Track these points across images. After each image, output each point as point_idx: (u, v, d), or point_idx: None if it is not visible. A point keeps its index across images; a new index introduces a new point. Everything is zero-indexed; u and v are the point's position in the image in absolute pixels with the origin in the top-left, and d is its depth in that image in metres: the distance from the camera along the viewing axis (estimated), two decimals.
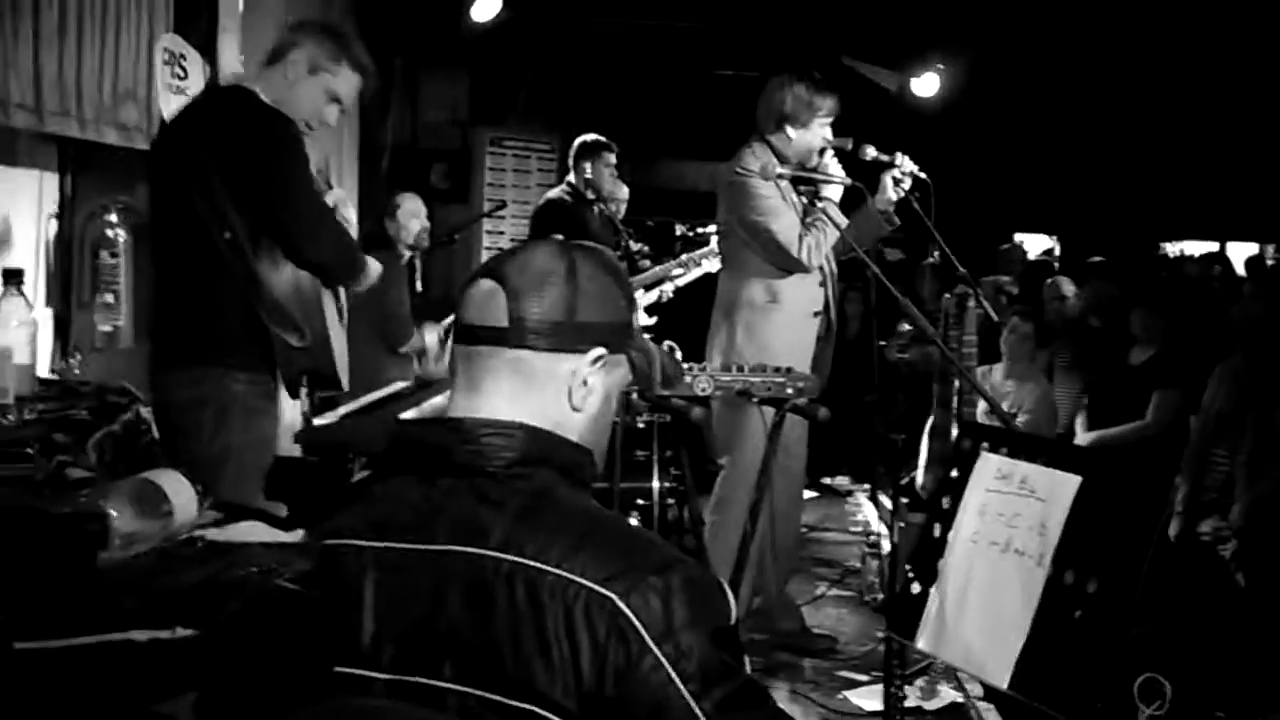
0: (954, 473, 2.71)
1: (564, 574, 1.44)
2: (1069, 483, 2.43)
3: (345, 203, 3.71)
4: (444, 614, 1.49)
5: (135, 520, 2.48)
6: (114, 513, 2.45)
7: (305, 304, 3.40)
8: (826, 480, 7.85)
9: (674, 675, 1.41)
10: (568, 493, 1.57)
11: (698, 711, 1.41)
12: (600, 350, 1.63)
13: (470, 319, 1.62)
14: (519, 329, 1.59)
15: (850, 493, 7.89)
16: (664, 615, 1.42)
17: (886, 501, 6.08)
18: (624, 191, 6.70)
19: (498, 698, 1.44)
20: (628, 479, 4.74)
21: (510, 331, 1.59)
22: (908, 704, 3.74)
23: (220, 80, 4.78)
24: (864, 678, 4.50)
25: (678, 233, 9.57)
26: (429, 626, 1.50)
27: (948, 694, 4.22)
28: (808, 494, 6.23)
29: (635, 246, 5.88)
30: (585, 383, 1.62)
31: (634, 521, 4.36)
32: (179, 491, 2.62)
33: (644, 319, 5.95)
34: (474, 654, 1.46)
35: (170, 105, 4.42)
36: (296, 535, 2.64)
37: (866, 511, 7.31)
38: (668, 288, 6.06)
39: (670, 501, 5.28)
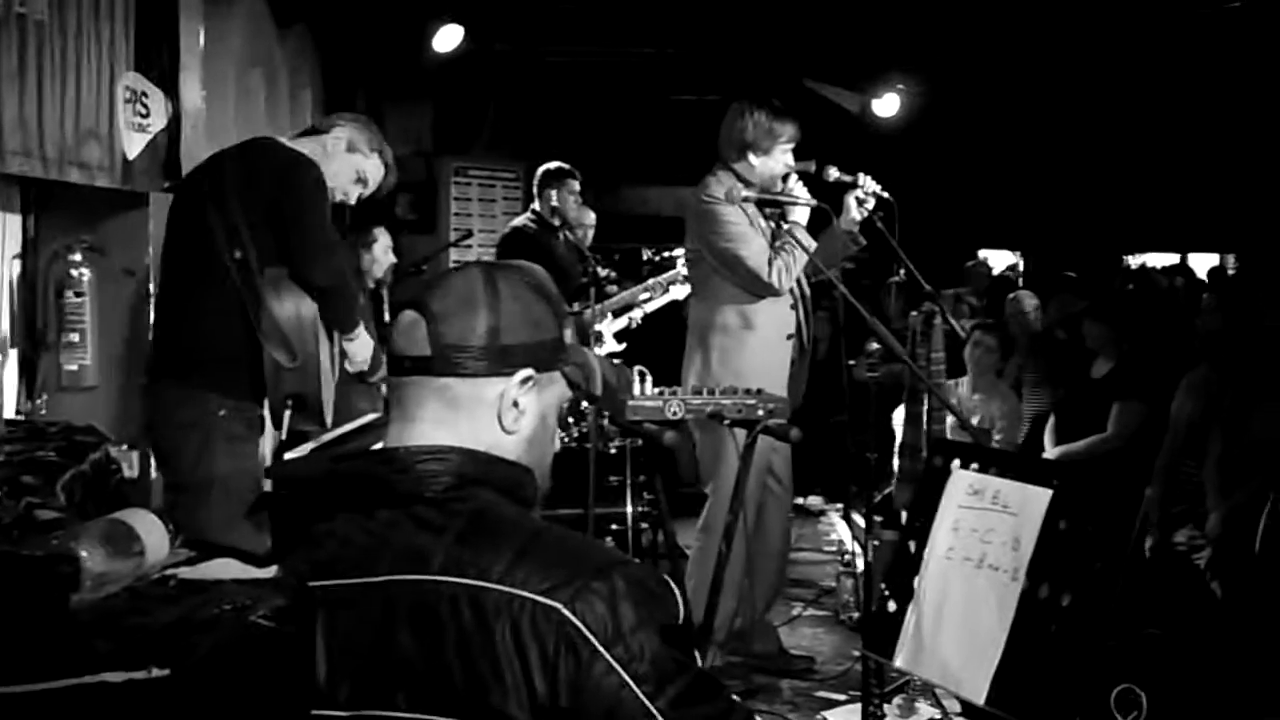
0: (926, 489, 2.73)
1: (507, 589, 1.44)
2: (1040, 497, 2.44)
3: None
4: (394, 644, 1.48)
5: (107, 561, 2.47)
6: (85, 554, 2.44)
7: (303, 332, 3.51)
8: (800, 500, 7.83)
9: (627, 678, 1.41)
10: (507, 510, 1.56)
11: (654, 711, 1.41)
12: (528, 371, 1.61)
13: (397, 350, 1.62)
14: (442, 357, 1.58)
15: (823, 512, 7.89)
16: (612, 619, 1.42)
17: (860, 520, 6.09)
18: (590, 217, 6.72)
19: None
20: (601, 504, 4.73)
21: (434, 360, 1.58)
22: None
23: (184, 115, 4.80)
24: (842, 697, 4.50)
25: (644, 258, 9.59)
26: (381, 658, 1.49)
27: (926, 711, 4.22)
28: None
29: (603, 272, 5.89)
30: (516, 404, 1.60)
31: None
32: (150, 531, 2.61)
33: (613, 345, 5.97)
34: (426, 680, 1.46)
35: (133, 143, 4.41)
36: (270, 571, 2.63)
37: (840, 531, 7.29)
38: (636, 314, 6.07)
39: (644, 526, 5.29)
